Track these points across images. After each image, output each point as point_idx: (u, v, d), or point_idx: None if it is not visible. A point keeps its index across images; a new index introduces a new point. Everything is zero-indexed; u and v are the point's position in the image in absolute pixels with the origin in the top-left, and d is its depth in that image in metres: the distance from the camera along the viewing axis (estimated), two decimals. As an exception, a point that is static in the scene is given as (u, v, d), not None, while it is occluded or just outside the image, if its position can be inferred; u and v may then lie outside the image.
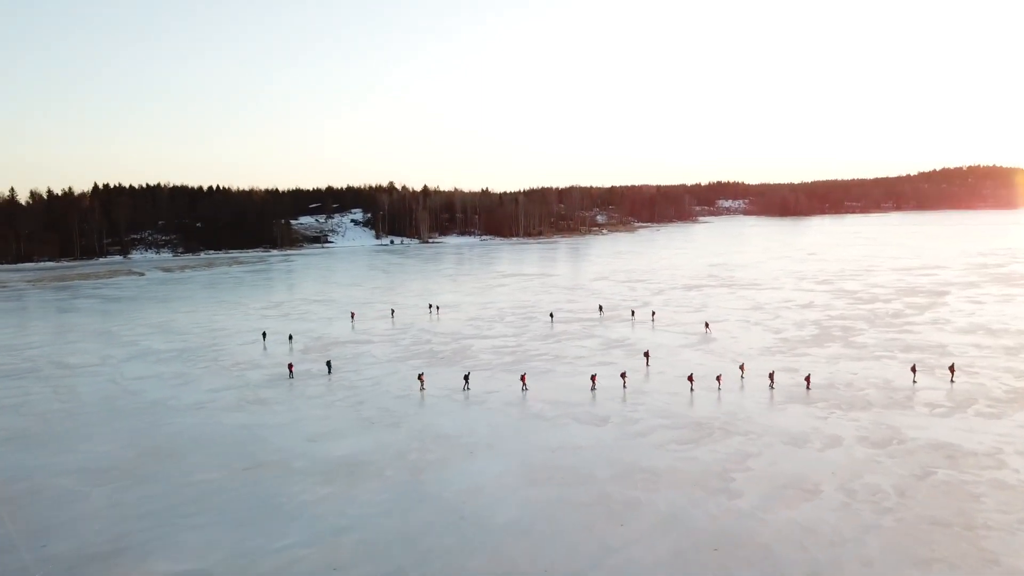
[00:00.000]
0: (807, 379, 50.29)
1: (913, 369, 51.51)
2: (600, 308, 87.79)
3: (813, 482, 33.21)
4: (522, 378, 52.09)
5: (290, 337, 71.26)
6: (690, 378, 50.98)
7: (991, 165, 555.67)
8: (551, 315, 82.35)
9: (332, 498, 32.61)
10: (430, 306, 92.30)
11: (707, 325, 74.75)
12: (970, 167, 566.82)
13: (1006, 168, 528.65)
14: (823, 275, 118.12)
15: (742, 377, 52.50)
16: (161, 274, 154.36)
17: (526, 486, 33.60)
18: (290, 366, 57.88)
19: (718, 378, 51.18)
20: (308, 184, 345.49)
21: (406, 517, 30.39)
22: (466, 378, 52.81)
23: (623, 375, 52.30)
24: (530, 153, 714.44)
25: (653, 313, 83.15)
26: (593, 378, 51.88)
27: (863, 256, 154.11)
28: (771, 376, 51.06)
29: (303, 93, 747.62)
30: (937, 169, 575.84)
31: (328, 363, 58.42)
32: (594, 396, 49.03)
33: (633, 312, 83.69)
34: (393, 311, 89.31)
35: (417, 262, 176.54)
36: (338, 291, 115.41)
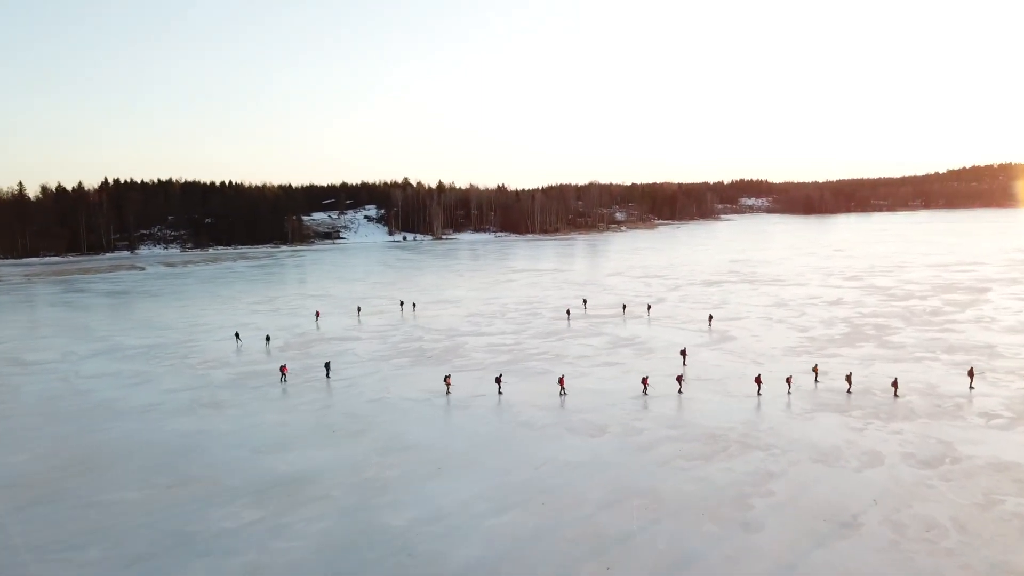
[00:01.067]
0: (895, 385, 43.90)
1: (970, 373, 44.53)
2: (584, 302, 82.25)
3: (851, 512, 26.86)
4: (560, 381, 44.93)
5: (267, 338, 64.25)
6: (757, 380, 44.06)
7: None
8: (567, 312, 75.73)
9: (258, 526, 26.78)
10: (401, 303, 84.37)
11: (711, 318, 69.44)
12: (1001, 165, 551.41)
13: None
14: (851, 271, 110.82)
15: (816, 381, 45.81)
16: (163, 269, 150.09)
17: (497, 513, 27.57)
18: (283, 368, 50.64)
19: (787, 380, 44.33)
20: (321, 181, 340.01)
21: (341, 554, 24.47)
22: (498, 380, 45.60)
23: (679, 378, 45.30)
24: (550, 154, 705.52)
25: (649, 307, 77.61)
26: (644, 381, 44.62)
27: (893, 252, 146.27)
28: (848, 378, 44.40)
29: (314, 92, 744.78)
30: (967, 167, 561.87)
31: (327, 364, 51.28)
32: (646, 403, 42.66)
33: (625, 306, 78.01)
34: (360, 308, 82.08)
35: (427, 258, 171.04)
36: (339, 286, 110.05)
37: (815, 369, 47.46)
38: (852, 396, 42.71)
